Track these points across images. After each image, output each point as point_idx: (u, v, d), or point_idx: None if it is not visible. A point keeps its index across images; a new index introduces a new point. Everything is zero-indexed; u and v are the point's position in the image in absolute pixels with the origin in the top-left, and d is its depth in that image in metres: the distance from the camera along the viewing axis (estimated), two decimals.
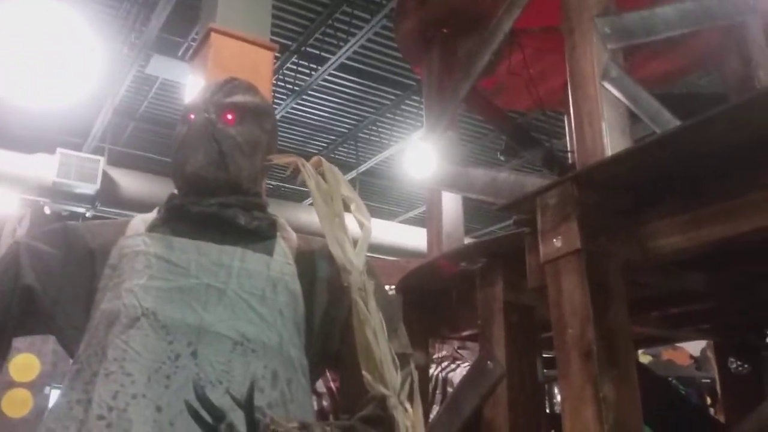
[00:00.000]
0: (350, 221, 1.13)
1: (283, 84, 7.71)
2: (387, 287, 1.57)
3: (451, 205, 2.97)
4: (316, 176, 1.14)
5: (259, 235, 1.25)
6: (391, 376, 1.05)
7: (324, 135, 9.28)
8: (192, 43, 5.97)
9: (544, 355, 2.76)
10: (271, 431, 0.91)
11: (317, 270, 1.26)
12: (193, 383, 0.88)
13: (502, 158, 3.84)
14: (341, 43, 6.92)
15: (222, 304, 1.14)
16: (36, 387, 10.06)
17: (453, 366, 3.97)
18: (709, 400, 5.72)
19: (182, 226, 1.22)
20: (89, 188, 7.07)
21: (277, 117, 1.41)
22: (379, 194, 10.73)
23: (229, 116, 1.27)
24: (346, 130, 9.10)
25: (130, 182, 7.44)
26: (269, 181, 9.58)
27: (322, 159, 1.16)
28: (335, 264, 1.10)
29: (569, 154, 3.25)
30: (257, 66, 4.11)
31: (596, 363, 1.42)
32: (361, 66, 7.50)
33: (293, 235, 1.31)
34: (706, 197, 1.50)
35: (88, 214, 7.53)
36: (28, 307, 1.19)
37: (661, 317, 2.37)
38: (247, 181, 1.27)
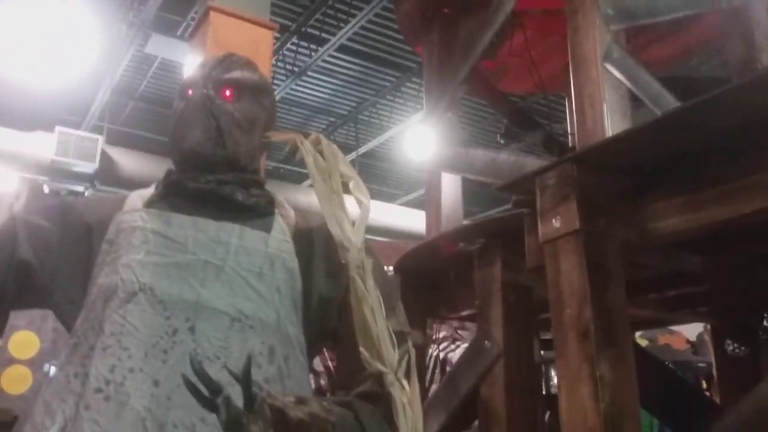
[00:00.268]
0: (350, 202, 1.12)
1: (282, 65, 7.67)
2: (385, 268, 1.57)
3: (450, 187, 2.96)
4: (314, 153, 1.13)
5: (257, 212, 1.25)
6: (389, 354, 1.05)
7: (323, 117, 9.24)
8: (191, 22, 5.93)
9: (541, 337, 2.77)
10: (268, 405, 0.91)
11: (315, 247, 1.26)
12: (190, 357, 0.88)
13: (501, 142, 3.82)
14: (341, 24, 6.87)
15: (220, 280, 1.14)
16: (35, 364, 10.09)
17: (452, 347, 3.99)
18: (704, 384, 5.76)
19: (180, 202, 1.21)
20: (88, 167, 7.06)
21: (277, 98, 1.40)
22: (378, 176, 10.71)
23: (228, 92, 1.26)
24: (346, 112, 9.07)
25: (128, 161, 7.42)
26: (268, 162, 9.57)
27: (321, 136, 1.15)
28: (333, 242, 1.10)
29: (569, 137, 3.24)
30: (257, 45, 4.08)
31: (593, 343, 1.42)
32: (361, 47, 7.46)
33: (291, 213, 1.31)
34: (706, 179, 1.50)
35: (86, 193, 7.52)
36: (25, 282, 1.18)
37: (659, 299, 2.38)
38: (245, 158, 1.26)
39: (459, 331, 4.28)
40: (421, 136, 3.06)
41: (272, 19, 4.53)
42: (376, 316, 1.06)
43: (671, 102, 1.86)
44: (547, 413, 3.05)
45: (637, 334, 4.91)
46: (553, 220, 1.58)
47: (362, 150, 9.45)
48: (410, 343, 1.18)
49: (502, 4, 2.55)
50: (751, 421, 1.59)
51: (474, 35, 2.75)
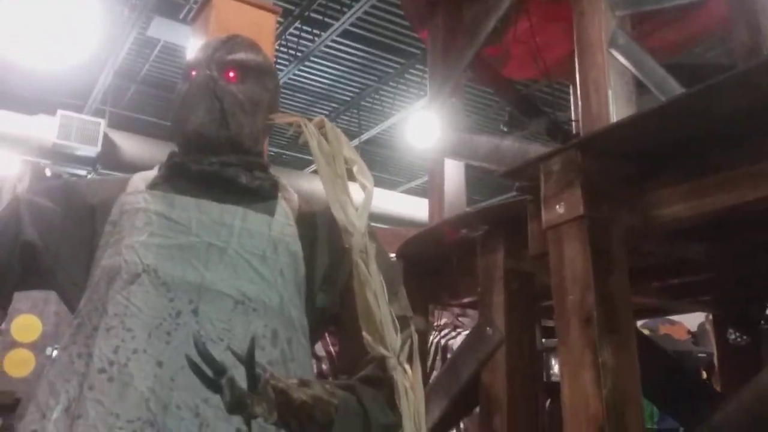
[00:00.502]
0: (353, 188, 1.12)
1: (285, 50, 7.63)
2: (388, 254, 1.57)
3: (453, 173, 2.95)
4: (318, 137, 1.12)
5: (261, 195, 1.24)
6: (391, 338, 1.05)
7: (326, 102, 9.21)
8: (193, 6, 5.89)
9: (543, 324, 2.77)
10: (272, 386, 0.91)
11: (318, 232, 1.26)
12: (194, 338, 0.88)
13: (505, 129, 3.81)
14: (345, 9, 6.84)
15: (223, 262, 1.14)
16: (38, 348, 10.14)
17: (453, 333, 3.99)
18: (705, 375, 5.77)
19: (183, 184, 1.21)
20: (90, 150, 7.05)
21: (279, 83, 1.39)
22: (380, 163, 10.69)
23: (231, 74, 1.25)
24: (349, 98, 9.04)
25: (130, 145, 7.41)
26: (270, 148, 9.55)
27: (325, 120, 1.14)
28: (337, 226, 1.09)
29: (574, 124, 3.23)
30: (260, 29, 4.06)
31: (596, 329, 1.42)
32: (364, 33, 7.42)
33: (295, 197, 1.31)
34: (711, 165, 1.49)
35: (88, 177, 7.52)
36: (29, 263, 1.19)
37: (662, 288, 2.38)
38: (249, 140, 1.26)
39: (460, 318, 4.29)
40: (424, 123, 3.05)
41: (276, 3, 4.51)
42: (379, 300, 1.06)
43: (676, 88, 1.86)
44: (548, 401, 3.06)
45: (638, 323, 4.92)
46: (557, 206, 1.57)
47: (365, 137, 9.43)
48: (413, 328, 1.18)
49: None
50: (752, 410, 1.59)
51: (479, 20, 2.74)
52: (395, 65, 8.07)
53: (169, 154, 1.27)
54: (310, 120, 1.14)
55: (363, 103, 9.08)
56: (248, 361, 0.88)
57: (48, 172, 7.60)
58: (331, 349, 3.39)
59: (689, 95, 1.45)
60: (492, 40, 2.88)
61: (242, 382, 0.89)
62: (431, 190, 3.06)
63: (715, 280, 2.28)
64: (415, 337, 1.16)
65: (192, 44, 4.54)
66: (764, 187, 1.37)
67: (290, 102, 8.97)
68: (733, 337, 2.50)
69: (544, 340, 2.97)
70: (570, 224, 1.55)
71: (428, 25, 3.27)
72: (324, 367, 3.40)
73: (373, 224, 1.17)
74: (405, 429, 1.02)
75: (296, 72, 8.19)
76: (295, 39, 7.52)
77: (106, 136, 7.16)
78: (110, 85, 7.98)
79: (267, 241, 1.18)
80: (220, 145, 1.22)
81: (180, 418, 1.02)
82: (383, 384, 1.08)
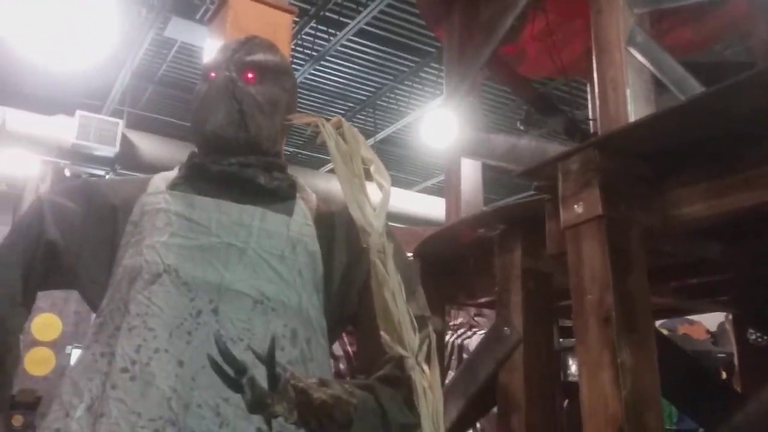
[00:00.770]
0: (371, 187, 1.12)
1: (301, 49, 7.65)
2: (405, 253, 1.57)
3: (470, 172, 2.95)
4: (336, 137, 1.12)
5: (279, 195, 1.25)
6: (409, 338, 1.06)
7: (342, 102, 9.22)
8: (210, 6, 5.92)
9: (560, 324, 2.76)
10: (292, 386, 0.92)
11: (336, 232, 1.26)
12: (215, 338, 0.89)
13: (521, 128, 3.80)
14: (360, 9, 6.84)
15: (242, 263, 1.15)
16: (58, 346, 10.26)
17: (469, 333, 3.98)
18: (724, 375, 5.72)
19: (203, 185, 1.22)
20: (108, 151, 7.11)
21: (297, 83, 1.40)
22: (396, 163, 10.68)
23: (250, 75, 1.26)
24: (365, 98, 9.04)
25: (148, 145, 7.46)
26: (286, 148, 9.58)
27: (342, 120, 1.15)
28: (354, 226, 1.09)
29: (591, 122, 3.21)
30: (276, 29, 4.07)
31: (615, 329, 1.42)
32: (380, 32, 7.42)
33: (313, 197, 1.31)
34: (730, 165, 1.48)
35: (107, 177, 7.58)
36: (52, 263, 1.20)
37: (681, 287, 2.36)
38: (267, 141, 1.26)
39: (476, 318, 4.27)
40: (440, 122, 3.04)
41: (291, 3, 4.52)
42: (397, 300, 1.06)
43: (695, 87, 1.84)
44: (565, 401, 3.05)
45: (657, 323, 4.88)
46: (576, 206, 1.57)
47: (380, 136, 9.42)
48: (431, 328, 1.18)
49: None
50: None
51: (496, 19, 2.73)
52: (410, 64, 8.06)
53: (189, 155, 1.28)
54: (327, 120, 1.14)
55: (379, 102, 9.08)
56: (269, 361, 0.89)
57: (67, 172, 7.68)
58: (349, 348, 3.39)
59: (708, 95, 1.44)
60: (509, 38, 2.87)
61: (263, 382, 0.89)
62: (448, 189, 3.06)
63: (734, 279, 2.26)
64: (433, 336, 1.16)
65: (209, 44, 4.57)
66: None
67: (306, 101, 8.99)
68: (753, 337, 2.48)
69: (561, 339, 2.96)
70: (588, 224, 1.54)
71: (444, 23, 3.27)
72: (341, 366, 3.41)
73: (390, 224, 1.18)
74: (424, 429, 1.03)
75: (312, 71, 8.21)
76: (311, 38, 7.53)
77: (124, 137, 7.22)
78: (128, 86, 8.04)
79: (285, 241, 1.19)
80: (238, 146, 1.22)
81: (201, 417, 1.03)
82: (401, 384, 1.08)
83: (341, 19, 7.13)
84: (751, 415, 1.61)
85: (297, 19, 6.49)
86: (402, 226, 8.08)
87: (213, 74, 1.27)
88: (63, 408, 1.08)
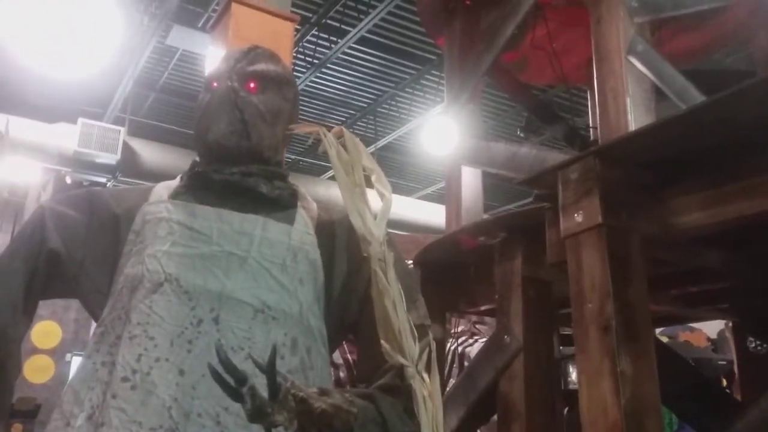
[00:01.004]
0: (371, 196, 1.12)
1: (302, 57, 7.67)
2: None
3: (470, 180, 2.95)
4: (337, 146, 1.13)
5: (280, 204, 1.25)
6: (410, 346, 1.06)
7: (343, 109, 9.24)
8: (212, 14, 5.95)
9: (560, 332, 2.76)
10: (292, 395, 0.92)
11: (337, 240, 1.27)
12: (216, 347, 0.89)
13: (521, 135, 3.80)
14: (362, 16, 6.86)
15: (243, 271, 1.15)
16: (57, 354, 10.26)
17: (470, 341, 3.98)
18: (725, 382, 5.71)
19: (204, 194, 1.22)
20: (110, 158, 7.12)
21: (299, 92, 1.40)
22: (397, 170, 10.69)
23: (252, 85, 1.27)
24: (366, 105, 9.06)
25: (150, 153, 7.47)
26: (287, 155, 9.59)
27: (344, 129, 1.15)
28: (355, 234, 1.10)
29: (592, 130, 3.22)
30: (278, 37, 4.08)
31: (615, 337, 1.42)
32: (381, 39, 7.44)
33: (314, 205, 1.32)
34: (730, 174, 1.48)
35: (108, 185, 7.59)
36: (54, 271, 1.21)
37: (681, 295, 2.36)
38: (269, 150, 1.27)
39: (477, 326, 4.27)
40: (441, 129, 3.05)
41: (293, 11, 4.54)
42: (398, 308, 1.06)
43: (696, 96, 1.85)
44: (566, 409, 3.04)
45: (657, 331, 4.88)
46: (576, 215, 1.57)
47: (381, 143, 9.44)
48: (431, 336, 1.19)
49: None
50: None
51: (496, 26, 2.74)
52: (411, 71, 8.08)
53: (191, 164, 1.29)
54: (329, 129, 1.15)
55: (379, 109, 9.09)
56: (270, 370, 0.89)
57: (68, 180, 7.68)
58: (348, 356, 3.39)
59: (709, 104, 1.45)
60: (509, 46, 2.88)
61: (263, 391, 0.89)
62: (448, 197, 3.06)
63: (734, 287, 2.26)
64: (434, 345, 1.16)
65: (211, 52, 4.58)
66: None
67: (307, 109, 9.01)
68: (753, 345, 2.48)
69: (561, 348, 2.96)
70: (588, 232, 1.55)
71: (445, 31, 3.28)
72: (341, 374, 3.40)
73: (391, 231, 1.18)
74: None
75: (313, 79, 8.23)
76: (312, 46, 7.55)
77: (125, 144, 7.23)
78: (130, 94, 8.05)
79: (287, 250, 1.19)
80: (240, 156, 1.23)
81: (201, 426, 1.03)
82: (401, 392, 1.08)
83: (342, 26, 7.15)
84: (751, 423, 1.61)
85: (298, 27, 6.51)
86: (402, 233, 8.07)
87: (215, 84, 1.27)
88: (63, 417, 1.08)
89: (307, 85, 8.33)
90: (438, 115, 7.20)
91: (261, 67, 1.29)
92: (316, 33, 7.37)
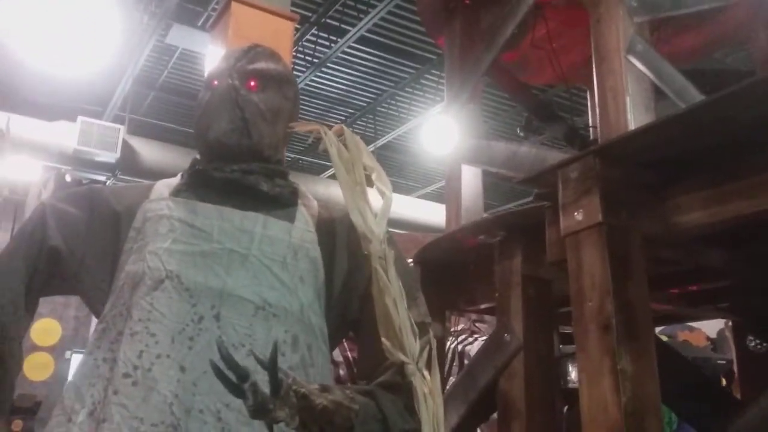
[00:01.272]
0: (372, 194, 1.12)
1: (302, 56, 7.68)
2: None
3: (470, 179, 2.95)
4: (337, 144, 1.13)
5: (281, 202, 1.26)
6: (410, 344, 1.06)
7: (343, 108, 9.24)
8: (212, 13, 5.95)
9: (560, 331, 2.76)
10: (294, 391, 0.92)
11: (337, 238, 1.27)
12: (217, 343, 0.90)
13: (521, 135, 3.80)
14: (361, 15, 6.86)
15: (244, 269, 1.15)
16: (57, 351, 10.26)
17: (470, 339, 3.98)
18: (724, 381, 5.71)
19: (205, 192, 1.23)
20: (109, 156, 7.12)
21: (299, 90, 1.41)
22: (396, 169, 10.70)
23: (253, 83, 1.27)
24: (365, 104, 9.06)
25: (149, 151, 7.47)
26: (287, 154, 9.58)
27: (344, 127, 1.15)
28: (356, 232, 1.10)
29: (591, 130, 3.22)
30: (277, 36, 4.09)
31: (615, 336, 1.42)
32: (381, 39, 7.44)
33: (314, 203, 1.32)
34: (731, 173, 1.48)
35: (108, 183, 7.59)
36: (55, 268, 1.21)
37: (681, 294, 2.37)
38: (269, 149, 1.27)
39: (476, 324, 4.27)
40: (441, 128, 3.05)
41: (292, 10, 4.54)
42: (398, 306, 1.06)
43: (695, 96, 1.85)
44: (566, 407, 3.04)
45: (656, 330, 4.87)
46: (576, 214, 1.57)
47: (381, 142, 9.44)
48: (431, 334, 1.19)
49: None
50: None
51: (496, 26, 2.74)
52: (411, 70, 8.08)
53: (192, 162, 1.29)
54: (329, 127, 1.15)
55: (379, 108, 9.10)
56: (271, 367, 0.89)
57: (68, 178, 7.69)
58: (348, 354, 3.39)
59: (709, 103, 1.45)
60: (509, 45, 2.88)
61: (264, 387, 0.90)
62: (448, 196, 3.06)
63: (734, 287, 2.26)
64: (434, 342, 1.17)
65: (210, 51, 4.58)
66: None
67: (307, 108, 9.01)
68: (752, 344, 2.48)
69: (561, 346, 2.96)
70: (588, 231, 1.55)
71: (445, 30, 3.28)
72: (341, 372, 3.41)
73: (390, 230, 1.18)
74: None
75: (313, 78, 8.23)
76: (312, 45, 7.56)
77: (125, 143, 7.23)
78: (129, 92, 8.05)
79: (287, 248, 1.20)
80: (241, 154, 1.23)
81: (202, 422, 1.03)
82: (402, 390, 1.09)
83: (342, 26, 7.15)
84: (750, 422, 1.61)
85: (298, 26, 6.52)
86: (402, 232, 8.08)
87: (216, 82, 1.28)
88: (65, 413, 1.09)
89: (306, 85, 8.34)
90: (438, 115, 7.21)
91: (261, 65, 1.29)
92: (316, 32, 7.37)
